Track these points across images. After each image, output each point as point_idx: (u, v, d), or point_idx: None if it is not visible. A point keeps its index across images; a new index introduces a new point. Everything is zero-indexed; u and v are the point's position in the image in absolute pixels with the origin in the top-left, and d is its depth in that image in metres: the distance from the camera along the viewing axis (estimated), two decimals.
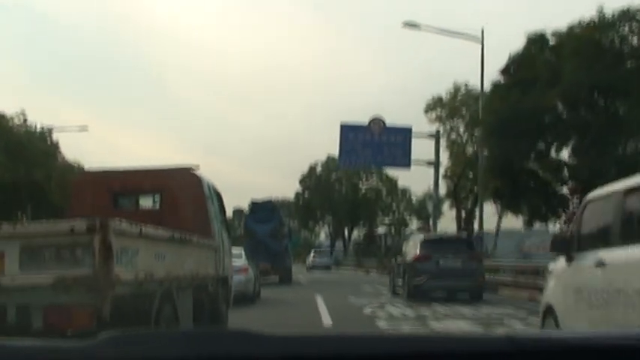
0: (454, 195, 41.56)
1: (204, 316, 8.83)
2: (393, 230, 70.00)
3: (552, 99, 23.63)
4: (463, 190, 42.09)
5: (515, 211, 28.77)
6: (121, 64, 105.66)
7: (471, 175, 39.59)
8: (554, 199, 26.63)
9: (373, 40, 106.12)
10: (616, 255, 5.90)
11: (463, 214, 41.89)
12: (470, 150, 39.64)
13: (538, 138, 25.15)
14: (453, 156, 40.43)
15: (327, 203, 72.93)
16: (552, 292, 7.34)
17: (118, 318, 5.85)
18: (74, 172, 58.54)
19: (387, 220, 73.41)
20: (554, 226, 29.41)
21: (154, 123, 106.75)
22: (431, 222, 56.11)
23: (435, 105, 41.41)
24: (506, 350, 1.72)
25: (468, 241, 21.76)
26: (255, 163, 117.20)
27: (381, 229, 72.72)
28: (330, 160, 73.50)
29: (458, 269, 18.72)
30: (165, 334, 2.24)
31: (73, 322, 5.73)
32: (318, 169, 73.80)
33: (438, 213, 38.27)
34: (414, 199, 67.82)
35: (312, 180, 73.85)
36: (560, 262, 7.22)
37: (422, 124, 39.91)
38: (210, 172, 16.17)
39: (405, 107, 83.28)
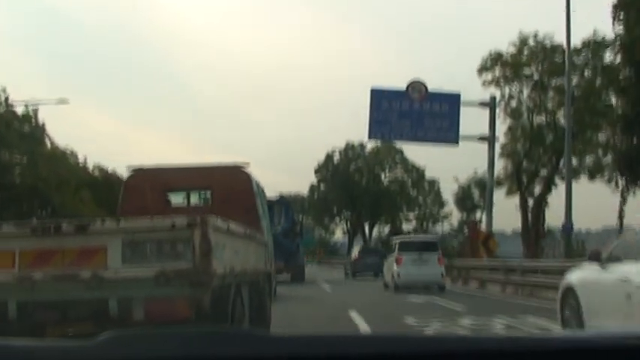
0: (517, 178, 32.99)
1: (253, 310, 8.46)
2: (424, 225, 61.47)
3: None
4: (526, 172, 33.58)
5: None
6: (134, 61, 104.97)
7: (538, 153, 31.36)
8: None
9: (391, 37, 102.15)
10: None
11: (530, 204, 33.27)
12: (540, 119, 31.35)
13: None
14: (515, 129, 32.08)
15: (345, 196, 64.86)
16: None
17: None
18: (66, 159, 53.33)
19: (411, 215, 65.10)
20: None
21: (166, 120, 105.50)
22: (478, 215, 49.17)
23: (492, 63, 32.78)
24: (506, 350, 1.75)
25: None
26: (269, 161, 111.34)
27: (405, 226, 64.13)
28: (349, 147, 65.55)
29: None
30: (165, 334, 1.98)
31: (173, 314, 5.96)
32: (336, 157, 65.53)
33: (491, 202, 30.06)
34: (455, 185, 57.36)
35: (329, 170, 65.56)
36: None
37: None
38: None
39: None
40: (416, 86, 29.79)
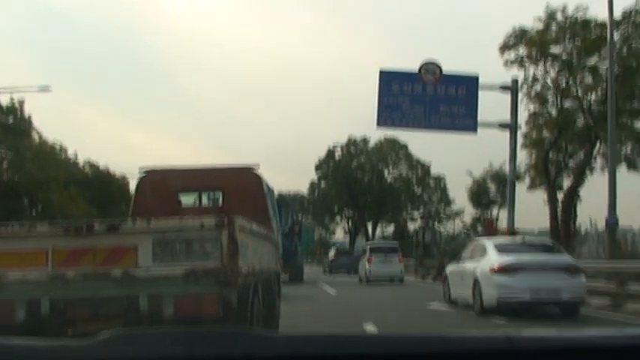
0: (544, 170, 29.71)
1: (265, 309, 8.52)
2: (429, 224, 58.06)
3: None
4: (553, 163, 30.32)
5: None
6: (132, 60, 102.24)
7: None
8: None
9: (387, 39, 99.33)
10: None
11: (560, 199, 29.98)
12: (570, 104, 28.14)
13: None
14: (539, 115, 28.83)
15: (346, 194, 61.70)
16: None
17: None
18: (55, 154, 50.84)
19: (416, 214, 61.76)
20: None
21: (165, 120, 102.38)
22: (494, 212, 45.81)
23: (516, 40, 29.41)
24: (505, 350, 1.76)
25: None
26: (268, 162, 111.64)
27: (410, 225, 60.78)
28: (351, 142, 62.44)
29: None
30: (165, 333, 2.01)
31: (202, 311, 6.10)
32: (338, 153, 62.32)
33: (513, 196, 26.85)
34: (469, 179, 52.01)
35: (330, 167, 62.36)
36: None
37: None
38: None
39: None
40: (430, 68, 26.69)
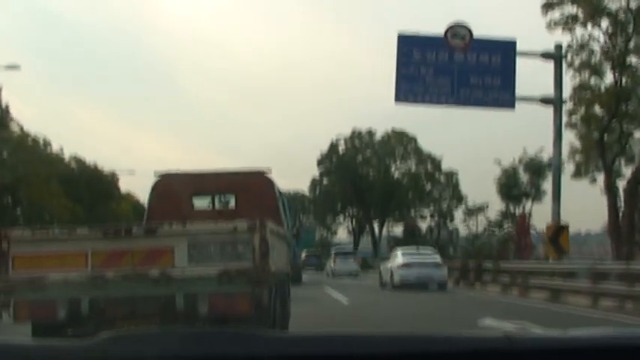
0: (599, 154, 25.09)
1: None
2: (441, 223, 53.28)
3: None
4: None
5: None
6: (132, 62, 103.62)
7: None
8: None
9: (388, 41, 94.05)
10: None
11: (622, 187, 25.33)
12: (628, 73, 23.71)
13: None
14: (590, 88, 24.28)
15: (351, 191, 57.28)
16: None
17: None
18: (38, 147, 47.26)
19: (426, 212, 57.21)
20: None
21: (165, 121, 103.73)
22: (528, 207, 39.95)
23: None
24: (504, 350, 1.76)
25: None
26: (268, 162, 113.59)
27: (422, 223, 55.88)
28: (355, 135, 57.94)
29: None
30: (164, 334, 2.05)
31: (235, 309, 6.55)
32: (341, 147, 57.70)
33: (559, 185, 22.30)
34: (498, 167, 44.73)
35: (334, 162, 57.84)
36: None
37: None
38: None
39: None
40: (458, 31, 22.33)
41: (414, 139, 56.43)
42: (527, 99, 23.16)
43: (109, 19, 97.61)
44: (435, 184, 57.19)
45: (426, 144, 57.51)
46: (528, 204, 43.01)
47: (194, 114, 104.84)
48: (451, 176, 56.15)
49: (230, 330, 1.97)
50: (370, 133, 57.37)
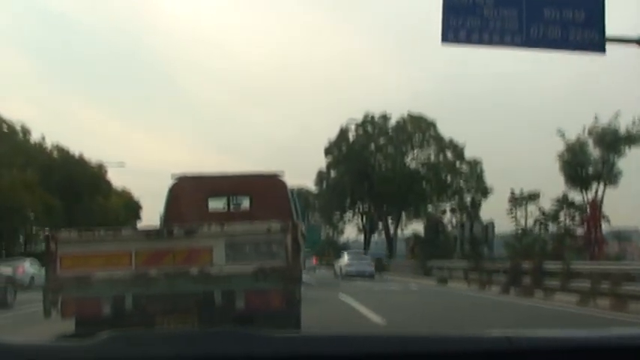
0: None
1: None
2: (464, 217, 47.10)
3: None
4: None
5: None
6: (132, 62, 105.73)
7: None
8: None
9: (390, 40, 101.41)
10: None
11: None
12: None
13: None
14: None
15: (362, 184, 51.30)
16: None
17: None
18: (15, 134, 43.23)
19: (447, 206, 51.02)
20: None
21: (165, 121, 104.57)
22: (599, 192, 31.26)
23: None
24: (505, 350, 1.76)
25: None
26: (268, 163, 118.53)
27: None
28: (367, 121, 51.87)
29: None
30: (164, 334, 2.17)
31: (269, 304, 7.02)
32: (352, 134, 51.59)
33: None
34: (560, 145, 34.75)
35: (343, 151, 51.75)
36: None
37: None
38: (223, 170, 14.53)
39: None
40: None
41: (432, 125, 50.25)
42: (620, 40, 17.22)
43: (109, 19, 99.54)
44: (456, 174, 50.98)
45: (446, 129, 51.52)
46: (598, 189, 33.78)
47: (194, 114, 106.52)
48: (475, 165, 49.94)
49: (230, 330, 1.91)
50: (385, 118, 51.20)
